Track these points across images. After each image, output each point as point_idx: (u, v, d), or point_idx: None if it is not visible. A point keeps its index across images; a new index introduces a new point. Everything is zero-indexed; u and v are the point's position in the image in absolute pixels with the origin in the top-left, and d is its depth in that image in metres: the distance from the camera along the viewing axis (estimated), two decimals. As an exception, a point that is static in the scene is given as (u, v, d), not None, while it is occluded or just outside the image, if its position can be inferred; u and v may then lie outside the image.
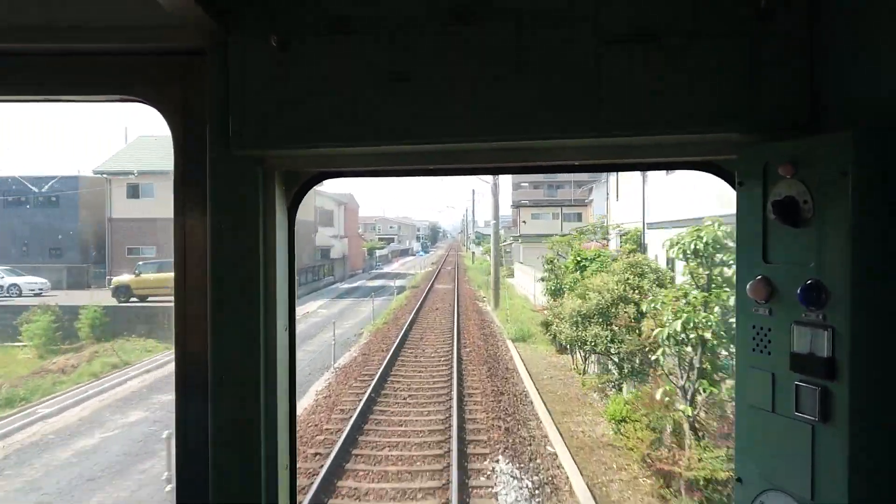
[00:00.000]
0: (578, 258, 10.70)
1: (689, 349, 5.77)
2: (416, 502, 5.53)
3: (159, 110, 1.39)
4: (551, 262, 12.07)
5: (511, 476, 5.99)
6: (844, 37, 1.15)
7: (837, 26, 1.16)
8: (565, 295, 10.04)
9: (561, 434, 6.86)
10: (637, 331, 7.31)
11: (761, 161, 1.17)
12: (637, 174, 11.00)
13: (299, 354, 1.93)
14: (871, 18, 1.09)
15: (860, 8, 1.10)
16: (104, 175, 21.07)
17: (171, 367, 1.31)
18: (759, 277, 1.15)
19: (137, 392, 9.62)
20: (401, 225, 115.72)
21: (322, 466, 6.06)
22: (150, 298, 15.77)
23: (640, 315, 7.35)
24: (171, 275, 1.30)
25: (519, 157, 1.38)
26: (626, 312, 7.71)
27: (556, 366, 10.65)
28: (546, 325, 10.73)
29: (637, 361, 7.52)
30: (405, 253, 75.37)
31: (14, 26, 1.35)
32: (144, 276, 16.23)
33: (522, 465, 6.17)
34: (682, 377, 5.90)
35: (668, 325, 5.75)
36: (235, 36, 1.27)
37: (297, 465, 1.47)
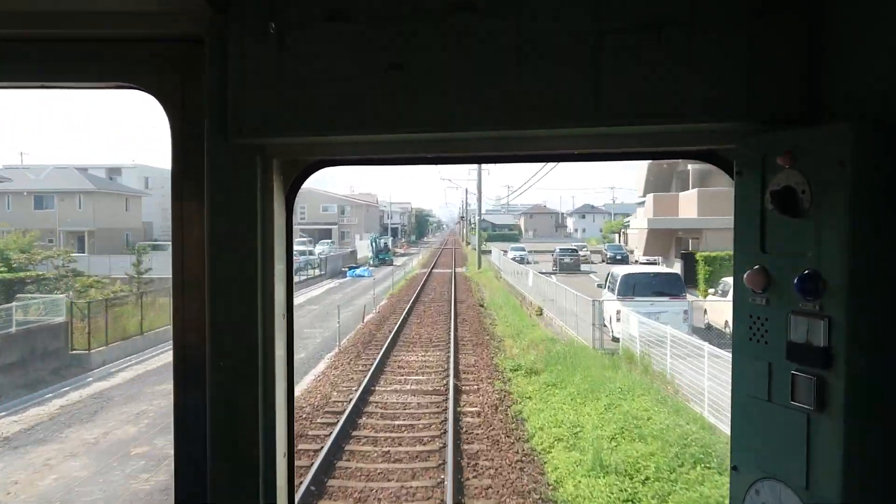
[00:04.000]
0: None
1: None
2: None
3: (157, 98, 1.74)
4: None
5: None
6: (844, 28, 1.45)
7: (837, 17, 1.47)
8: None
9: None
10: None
11: (760, 151, 1.50)
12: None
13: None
14: (870, 10, 1.38)
15: (860, 0, 1.40)
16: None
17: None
18: (757, 267, 1.47)
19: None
20: (348, 206, 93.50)
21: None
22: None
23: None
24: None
25: (517, 147, 1.73)
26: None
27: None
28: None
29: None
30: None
31: (10, 13, 1.66)
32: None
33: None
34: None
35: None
36: (234, 24, 1.60)
37: (296, 450, 1.87)
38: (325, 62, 1.60)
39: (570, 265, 52.45)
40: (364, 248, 67.35)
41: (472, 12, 1.57)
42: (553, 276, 40.55)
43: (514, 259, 55.63)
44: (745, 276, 1.49)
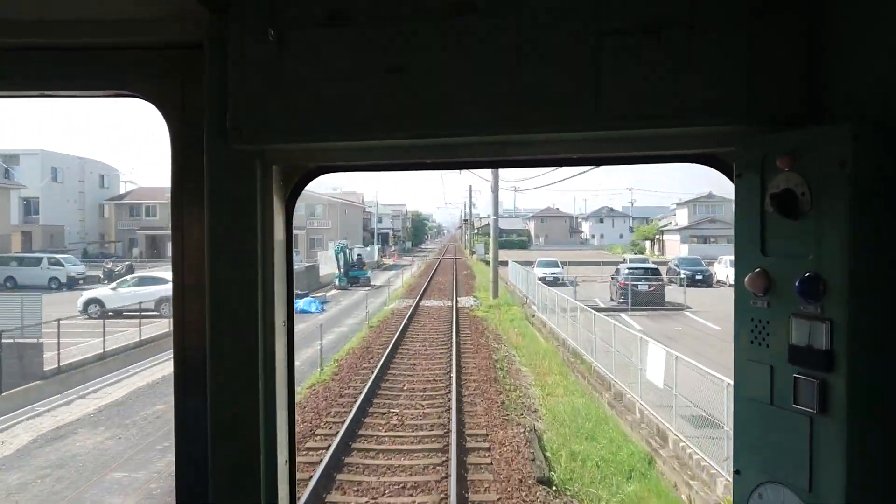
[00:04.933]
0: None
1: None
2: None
3: (156, 105, 1.78)
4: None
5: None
6: (844, 29, 1.53)
7: (837, 18, 1.55)
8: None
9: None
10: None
11: (760, 153, 1.56)
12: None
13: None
14: (870, 10, 1.45)
15: (860, 0, 1.51)
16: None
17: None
18: (758, 270, 1.52)
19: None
20: (319, 206, 75.97)
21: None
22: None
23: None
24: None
25: (518, 151, 1.78)
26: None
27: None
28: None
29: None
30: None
31: (9, 21, 1.72)
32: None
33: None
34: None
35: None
36: (232, 29, 1.67)
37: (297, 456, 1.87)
38: (324, 64, 1.67)
39: (649, 296, 29.99)
40: (332, 263, 49.60)
41: (472, 13, 1.63)
42: (622, 314, 26.69)
43: (544, 279, 33.32)
44: (745, 279, 1.55)
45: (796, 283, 1.40)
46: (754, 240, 1.54)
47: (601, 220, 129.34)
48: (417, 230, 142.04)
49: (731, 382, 1.67)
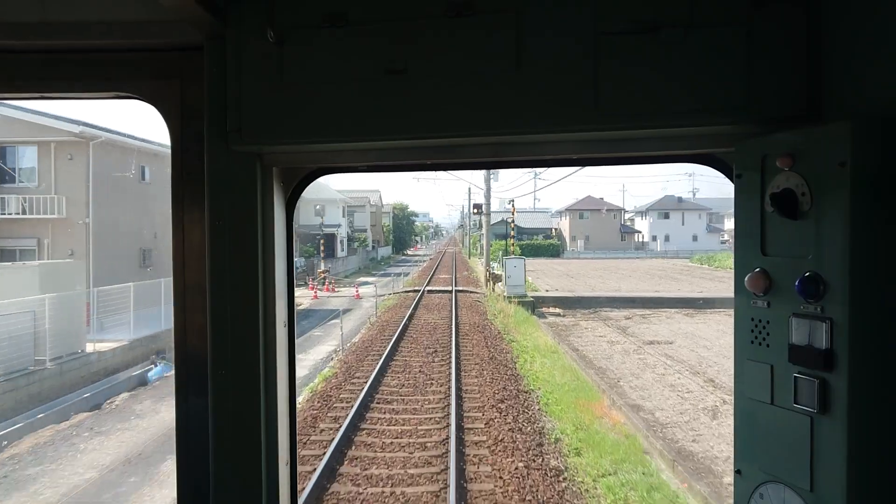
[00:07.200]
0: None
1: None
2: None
3: (156, 107, 1.82)
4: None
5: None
6: (843, 27, 1.60)
7: (836, 16, 1.62)
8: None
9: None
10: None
11: (759, 153, 1.62)
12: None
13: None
14: (870, 11, 1.53)
15: (860, 1, 1.62)
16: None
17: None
18: (758, 270, 1.57)
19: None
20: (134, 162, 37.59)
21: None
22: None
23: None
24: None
25: (517, 152, 1.84)
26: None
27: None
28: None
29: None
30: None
31: (9, 23, 1.77)
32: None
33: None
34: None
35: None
36: (232, 31, 1.74)
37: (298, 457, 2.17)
38: (324, 67, 1.76)
39: None
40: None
41: (472, 13, 1.71)
42: None
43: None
44: (745, 278, 1.63)
45: (796, 283, 1.46)
46: (754, 240, 1.61)
47: (666, 216, 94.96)
48: (400, 231, 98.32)
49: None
